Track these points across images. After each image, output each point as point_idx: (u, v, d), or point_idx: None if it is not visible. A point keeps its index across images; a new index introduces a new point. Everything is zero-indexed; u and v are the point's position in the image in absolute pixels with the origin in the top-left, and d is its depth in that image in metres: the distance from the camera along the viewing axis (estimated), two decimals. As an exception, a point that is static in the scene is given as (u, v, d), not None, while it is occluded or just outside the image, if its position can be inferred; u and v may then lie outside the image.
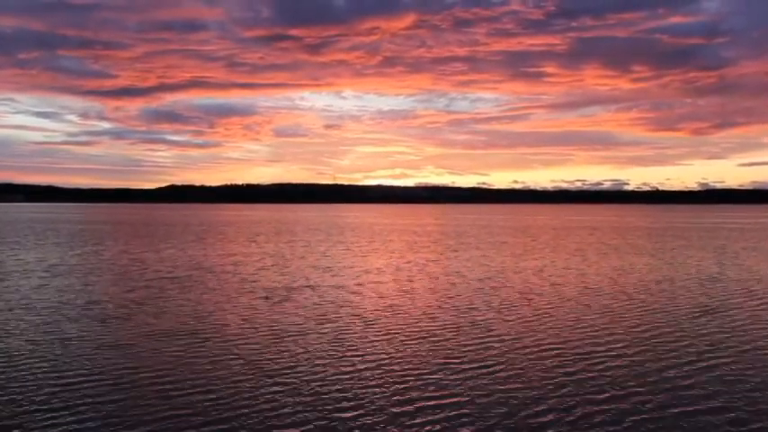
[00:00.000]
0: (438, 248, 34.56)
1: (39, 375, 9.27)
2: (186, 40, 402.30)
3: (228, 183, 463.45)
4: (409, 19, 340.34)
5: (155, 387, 8.75)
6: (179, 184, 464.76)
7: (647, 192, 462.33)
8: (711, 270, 23.82)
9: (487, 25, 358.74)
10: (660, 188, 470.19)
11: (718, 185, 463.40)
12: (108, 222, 74.99)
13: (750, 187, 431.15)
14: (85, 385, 8.80)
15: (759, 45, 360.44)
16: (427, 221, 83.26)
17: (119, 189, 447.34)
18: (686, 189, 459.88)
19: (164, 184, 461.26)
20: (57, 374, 9.31)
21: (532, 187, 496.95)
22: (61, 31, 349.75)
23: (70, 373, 9.41)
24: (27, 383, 8.87)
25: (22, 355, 10.44)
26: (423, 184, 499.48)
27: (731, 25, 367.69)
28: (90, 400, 8.19)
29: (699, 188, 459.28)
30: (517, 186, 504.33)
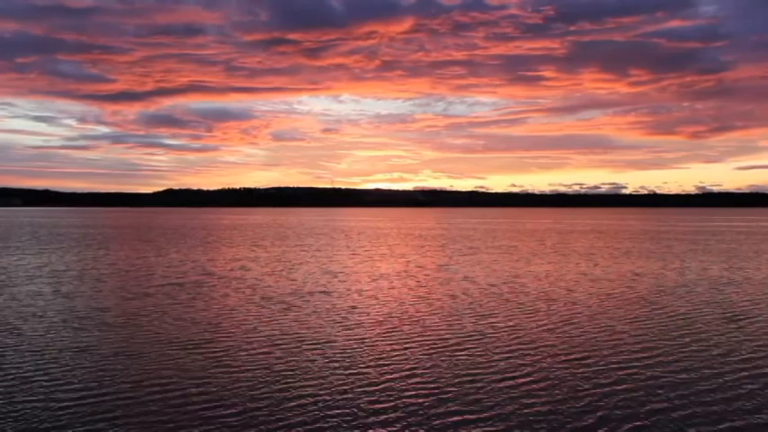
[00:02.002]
0: (446, 252, 34.20)
1: (49, 384, 8.89)
2: (184, 44, 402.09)
3: (226, 187, 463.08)
4: (408, 23, 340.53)
5: (171, 398, 8.37)
6: (176, 188, 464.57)
7: (645, 195, 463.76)
8: (727, 274, 23.51)
9: (486, 29, 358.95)
10: (658, 192, 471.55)
11: (716, 189, 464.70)
12: (109, 227, 74.49)
13: (748, 191, 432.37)
14: (97, 396, 8.42)
15: (757, 49, 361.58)
16: (429, 225, 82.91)
17: (116, 193, 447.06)
18: (684, 192, 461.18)
19: (161, 189, 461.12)
20: (68, 384, 8.94)
21: (530, 191, 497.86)
22: (59, 35, 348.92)
23: (81, 383, 9.03)
24: (37, 392, 8.50)
25: (32, 363, 10.06)
26: (420, 188, 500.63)
27: (729, 29, 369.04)
28: (101, 411, 7.82)
29: (696, 191, 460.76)
30: (515, 190, 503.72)
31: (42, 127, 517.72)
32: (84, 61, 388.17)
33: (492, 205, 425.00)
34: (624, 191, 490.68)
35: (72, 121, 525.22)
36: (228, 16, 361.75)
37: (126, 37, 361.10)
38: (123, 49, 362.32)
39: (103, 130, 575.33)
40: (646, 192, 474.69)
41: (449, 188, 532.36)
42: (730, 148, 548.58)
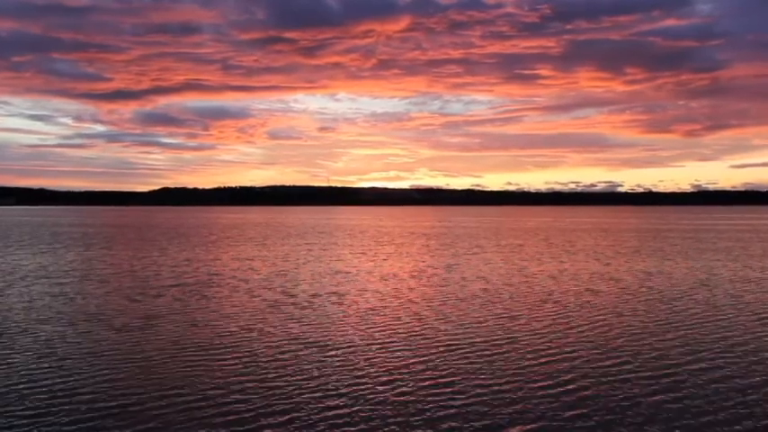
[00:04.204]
0: (454, 251, 33.86)
1: (59, 386, 8.52)
2: (181, 42, 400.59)
3: (222, 185, 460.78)
4: (404, 22, 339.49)
5: (185, 402, 8.00)
6: (172, 186, 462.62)
7: (641, 193, 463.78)
8: (742, 273, 23.24)
9: (482, 28, 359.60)
10: (653, 190, 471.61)
11: (711, 187, 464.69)
12: (108, 225, 73.89)
13: (742, 188, 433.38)
14: (108, 398, 8.05)
15: (752, 48, 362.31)
16: (430, 224, 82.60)
17: (112, 192, 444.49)
18: (679, 191, 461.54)
19: (157, 187, 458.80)
20: (78, 386, 8.56)
21: (526, 189, 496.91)
22: (56, 33, 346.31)
23: (93, 385, 8.66)
24: (47, 394, 8.13)
25: (41, 365, 9.66)
26: (417, 187, 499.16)
27: (724, 28, 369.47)
28: (114, 414, 7.45)
29: (692, 189, 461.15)
30: (511, 188, 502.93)
31: (38, 125, 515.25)
32: (80, 60, 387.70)
33: (488, 203, 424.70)
34: (620, 189, 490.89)
35: (68, 120, 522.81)
36: (225, 15, 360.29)
37: (122, 36, 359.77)
38: (120, 47, 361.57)
39: (99, 128, 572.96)
40: (641, 190, 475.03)
41: (445, 186, 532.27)
42: (725, 146, 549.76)
